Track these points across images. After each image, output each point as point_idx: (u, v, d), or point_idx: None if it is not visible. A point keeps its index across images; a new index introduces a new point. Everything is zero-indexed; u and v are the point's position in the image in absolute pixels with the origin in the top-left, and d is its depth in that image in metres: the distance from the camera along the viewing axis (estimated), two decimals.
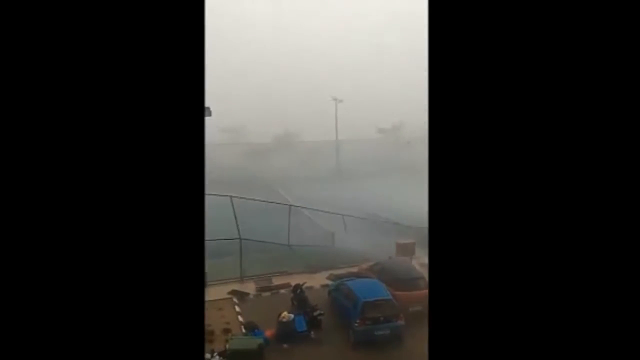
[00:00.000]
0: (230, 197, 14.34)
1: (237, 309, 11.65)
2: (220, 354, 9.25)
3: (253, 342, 9.41)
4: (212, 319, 10.65)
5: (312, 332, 10.11)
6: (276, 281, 13.18)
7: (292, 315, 10.19)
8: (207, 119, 13.44)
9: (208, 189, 14.59)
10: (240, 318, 11.14)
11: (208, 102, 13.20)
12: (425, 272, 11.75)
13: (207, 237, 14.81)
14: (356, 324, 9.69)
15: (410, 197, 16.59)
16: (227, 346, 9.33)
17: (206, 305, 11.62)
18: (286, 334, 9.91)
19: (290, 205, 16.74)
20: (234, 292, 12.39)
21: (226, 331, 10.42)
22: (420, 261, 13.83)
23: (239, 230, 13.69)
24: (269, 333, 10.03)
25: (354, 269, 13.27)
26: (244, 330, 10.44)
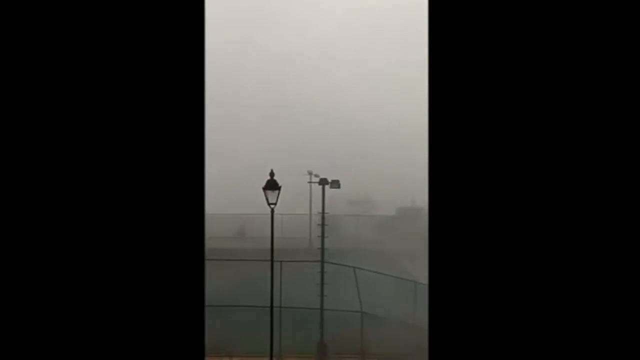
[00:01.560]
0: (354, 268, 14.34)
1: None
2: None
3: None
4: None
5: None
6: None
7: None
8: (336, 191, 14.12)
9: (331, 258, 14.87)
10: None
11: (335, 175, 13.92)
12: None
13: (328, 306, 14.80)
14: None
15: None
16: None
17: None
18: None
19: (416, 282, 16.00)
20: None
21: None
22: None
23: (360, 303, 13.45)
24: None
25: None
26: None
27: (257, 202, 10.78)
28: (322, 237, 13.48)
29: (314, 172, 23.87)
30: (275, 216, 10.35)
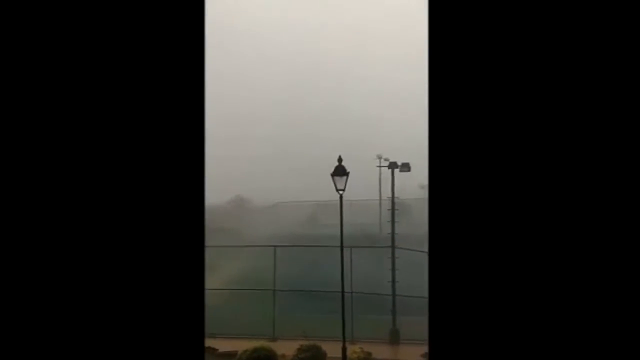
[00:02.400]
0: (427, 253, 14.03)
1: None
2: None
3: None
4: None
5: None
6: None
7: None
8: (407, 174, 13.78)
9: (403, 244, 14.56)
10: None
11: (404, 157, 13.57)
12: None
13: (400, 292, 14.59)
14: None
15: None
16: None
17: None
18: None
19: None
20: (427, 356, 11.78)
21: None
22: None
23: None
24: None
25: None
26: None
27: (329, 188, 10.87)
28: (393, 221, 13.30)
29: (384, 157, 23.58)
30: (344, 203, 10.37)
